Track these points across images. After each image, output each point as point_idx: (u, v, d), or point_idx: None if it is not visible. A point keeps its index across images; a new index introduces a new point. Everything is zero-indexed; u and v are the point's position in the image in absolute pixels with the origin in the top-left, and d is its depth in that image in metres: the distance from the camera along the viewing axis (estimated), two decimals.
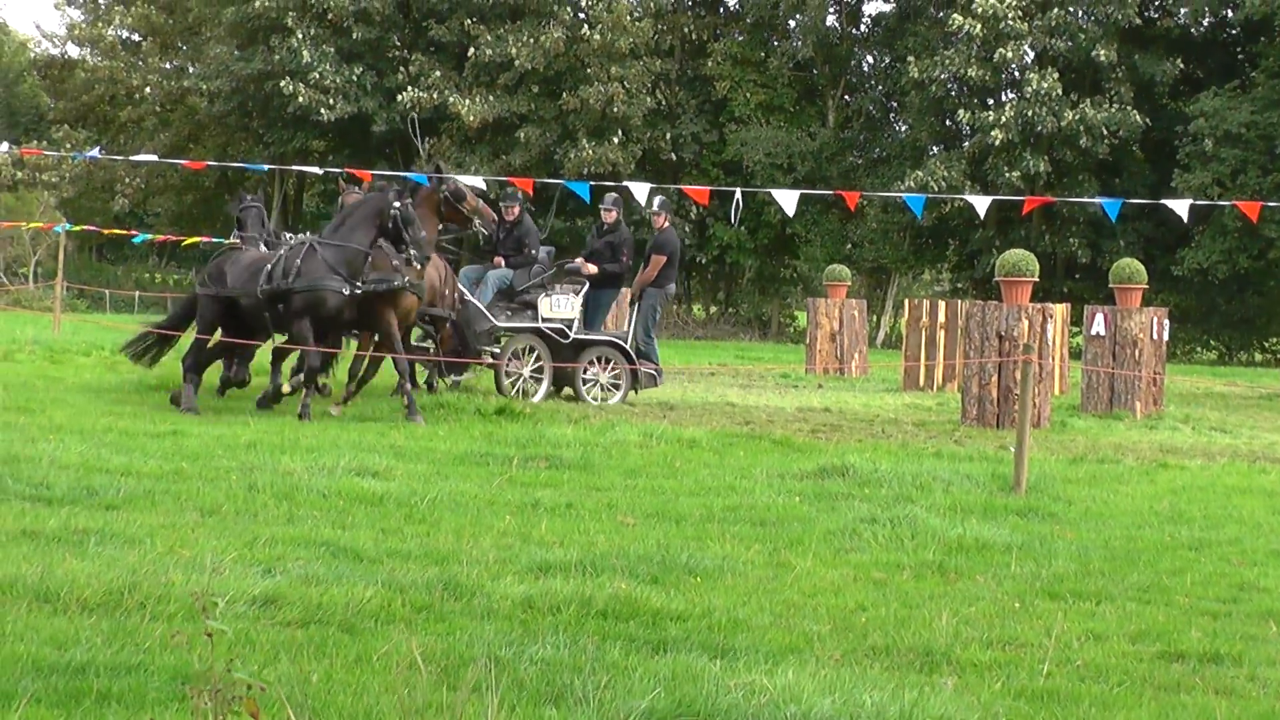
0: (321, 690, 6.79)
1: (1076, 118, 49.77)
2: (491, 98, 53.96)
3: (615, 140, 53.24)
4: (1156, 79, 52.39)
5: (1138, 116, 50.79)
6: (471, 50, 54.28)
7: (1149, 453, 18.88)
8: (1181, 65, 52.92)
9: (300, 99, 53.48)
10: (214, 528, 10.68)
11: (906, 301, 32.73)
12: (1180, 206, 21.54)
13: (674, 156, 56.18)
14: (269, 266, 19.19)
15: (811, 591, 9.56)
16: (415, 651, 7.03)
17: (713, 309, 61.65)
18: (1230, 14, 53.29)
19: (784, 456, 16.52)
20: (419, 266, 19.48)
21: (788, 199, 22.36)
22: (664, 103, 56.50)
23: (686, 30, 57.93)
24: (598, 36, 52.96)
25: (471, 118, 53.30)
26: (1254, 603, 9.79)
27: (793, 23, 57.60)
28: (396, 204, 19.13)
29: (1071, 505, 13.75)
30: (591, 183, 25.18)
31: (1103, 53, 50.76)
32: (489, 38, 54.02)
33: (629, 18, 53.39)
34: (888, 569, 10.39)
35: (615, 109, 53.18)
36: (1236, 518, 13.42)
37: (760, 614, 8.82)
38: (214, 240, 42.13)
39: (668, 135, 56.08)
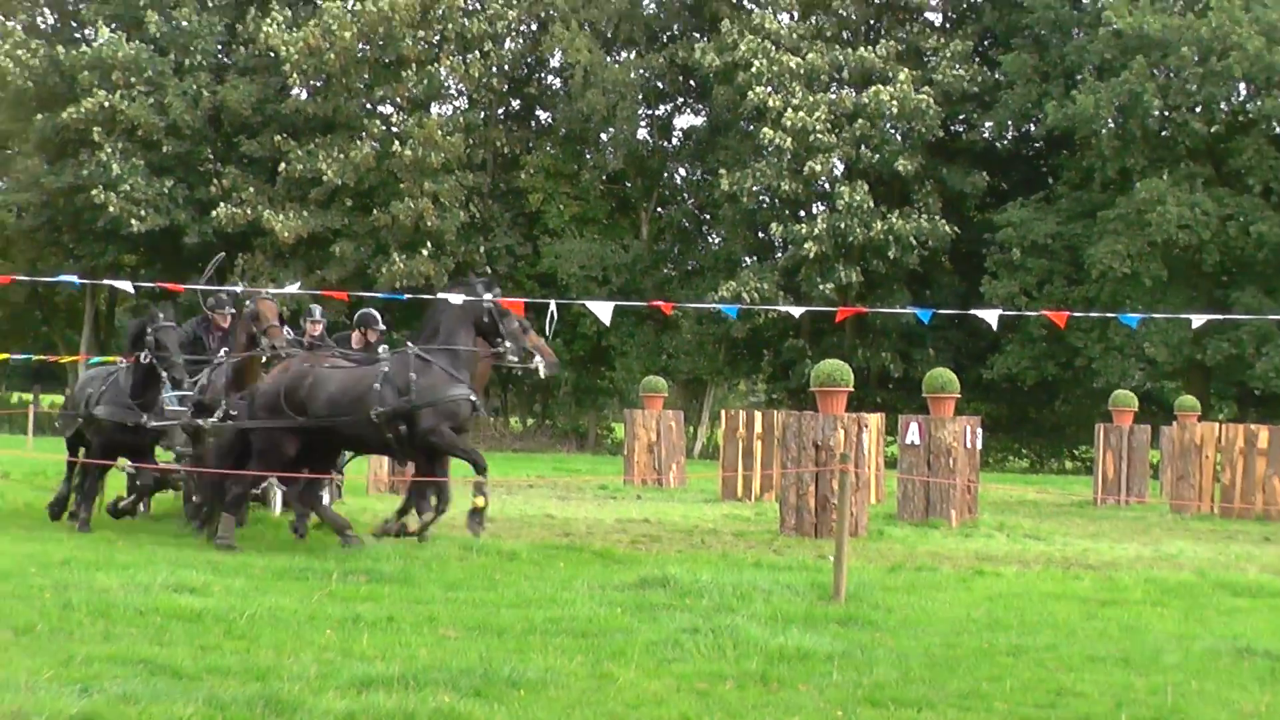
0: None
1: (885, 229, 50.61)
2: (305, 212, 53.78)
3: (425, 253, 53.19)
4: (964, 191, 53.46)
5: (946, 227, 51.77)
6: (282, 165, 54.09)
7: (965, 560, 19.11)
8: (988, 177, 54.06)
9: (111, 209, 52.87)
10: (28, 646, 10.49)
11: (723, 412, 32.96)
12: (990, 315, 21.95)
13: (488, 269, 56.26)
14: (377, 385, 17.79)
15: (635, 703, 9.56)
16: None
17: (529, 421, 61.63)
18: (1033, 128, 54.66)
19: (604, 568, 16.53)
20: (516, 360, 18.52)
21: (603, 310, 22.44)
22: (477, 216, 56.57)
23: (499, 144, 58.13)
24: (409, 152, 53.00)
25: (285, 233, 53.06)
26: (1071, 708, 9.93)
27: (604, 136, 58.05)
28: (488, 296, 18.12)
29: (891, 613, 13.87)
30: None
31: (909, 165, 51.69)
32: (299, 153, 53.87)
33: (440, 133, 53.48)
34: (710, 679, 10.42)
35: (428, 223, 53.19)
36: (1052, 623, 13.62)
37: None
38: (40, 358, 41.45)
39: (481, 248, 56.16)
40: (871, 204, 51.09)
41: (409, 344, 18.56)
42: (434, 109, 56.73)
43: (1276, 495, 27.86)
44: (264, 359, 18.87)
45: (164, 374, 19.04)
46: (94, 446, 19.63)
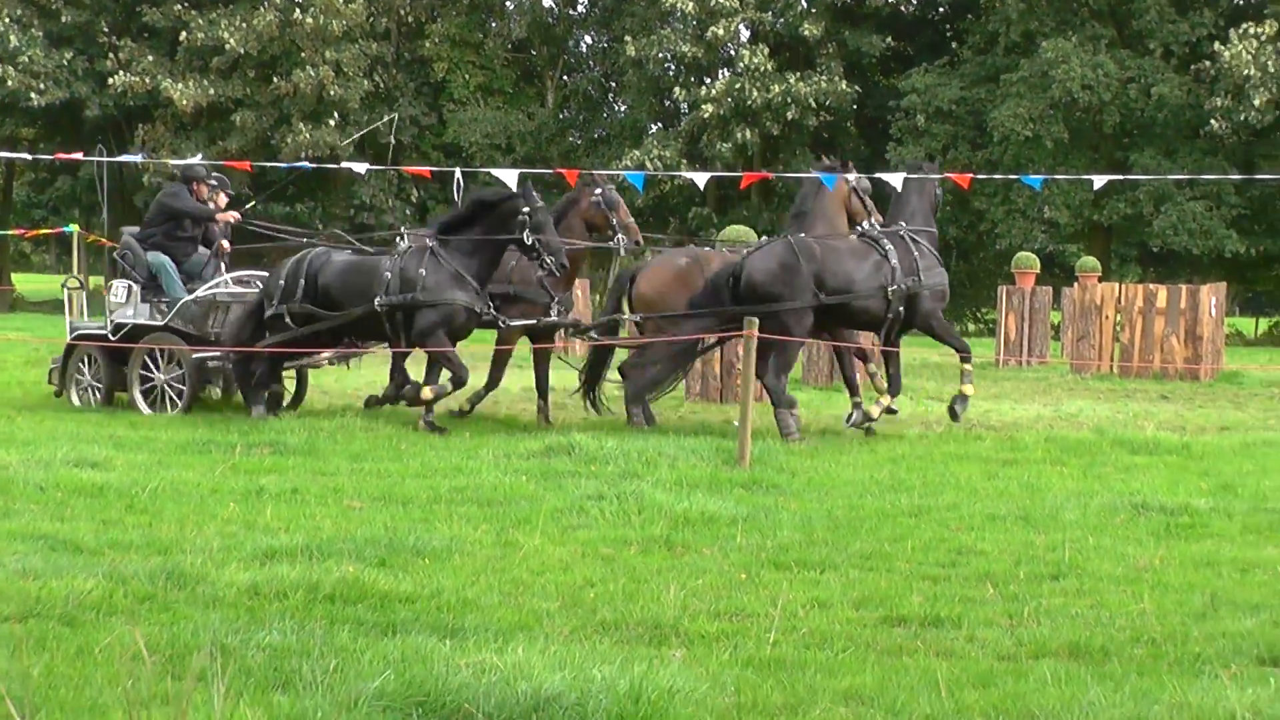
0: (43, 684, 6.64)
1: (784, 90, 50.49)
2: (205, 82, 53.12)
3: (332, 123, 52.71)
4: (868, 54, 53.40)
5: (845, 86, 51.71)
6: (183, 34, 53.32)
7: (880, 426, 19.19)
8: (892, 42, 54.00)
9: (10, 83, 52.03)
10: None
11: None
12: (895, 179, 21.90)
13: (393, 140, 55.82)
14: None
15: (540, 569, 9.57)
16: (139, 642, 6.90)
17: None
18: None
19: (510, 437, 16.52)
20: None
21: (508, 178, 22.27)
22: (381, 85, 56.05)
23: (402, 12, 57.51)
24: (310, 19, 52.36)
25: (185, 103, 52.42)
26: (971, 566, 10.02)
27: (510, 4, 57.55)
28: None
29: (795, 477, 13.95)
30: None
31: (814, 29, 51.53)
32: (201, 21, 53.14)
33: (341, 1, 52.87)
34: (615, 544, 10.45)
35: (331, 93, 52.65)
36: (954, 484, 13.73)
37: (489, 593, 8.81)
38: None
39: (385, 118, 55.73)
40: (773, 67, 50.94)
41: None
42: None
43: (1174, 354, 28.12)
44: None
45: (546, 260, 17.68)
46: (429, 331, 17.60)
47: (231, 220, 19.56)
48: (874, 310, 17.66)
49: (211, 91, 52.99)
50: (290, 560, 9.36)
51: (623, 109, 58.59)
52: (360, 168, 24.47)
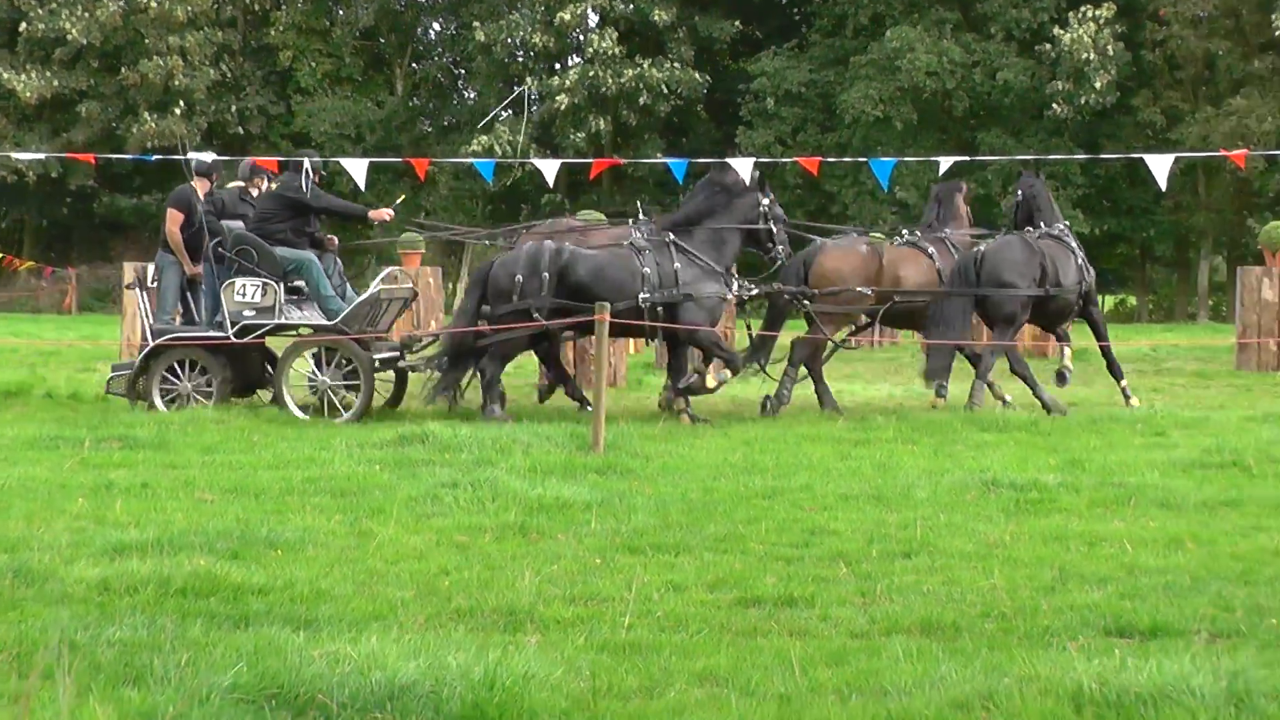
0: None
1: (637, 76, 50.57)
2: (48, 73, 52.33)
3: (178, 113, 52.10)
4: (716, 39, 53.58)
5: (698, 75, 51.89)
6: (23, 25, 52.49)
7: (724, 405, 19.28)
8: (740, 26, 54.24)
9: None
10: None
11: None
12: (744, 164, 22.00)
13: (241, 129, 55.28)
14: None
15: (394, 558, 9.53)
16: None
17: None
18: None
19: (363, 426, 16.46)
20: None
21: (357, 169, 22.18)
22: (229, 74, 55.51)
23: (248, 1, 56.97)
24: (155, 6, 51.71)
25: (28, 94, 51.62)
26: (825, 546, 10.08)
27: None
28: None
29: (649, 461, 13.96)
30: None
31: (662, 14, 51.63)
32: (40, 11, 52.33)
33: None
34: (470, 532, 10.41)
35: (177, 81, 52.04)
36: (807, 465, 13.80)
37: (343, 583, 8.76)
38: None
39: (233, 108, 55.16)
40: (623, 53, 51.01)
41: None
42: None
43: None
44: None
45: (777, 251, 18.58)
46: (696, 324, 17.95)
47: (386, 218, 18.95)
48: (1070, 304, 19.39)
49: (55, 83, 52.21)
50: (141, 555, 9.24)
51: (472, 96, 58.41)
52: (206, 157, 24.15)
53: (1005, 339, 19.06)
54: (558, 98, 50.42)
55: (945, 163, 24.05)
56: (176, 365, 17.86)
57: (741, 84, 53.11)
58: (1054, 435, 15.91)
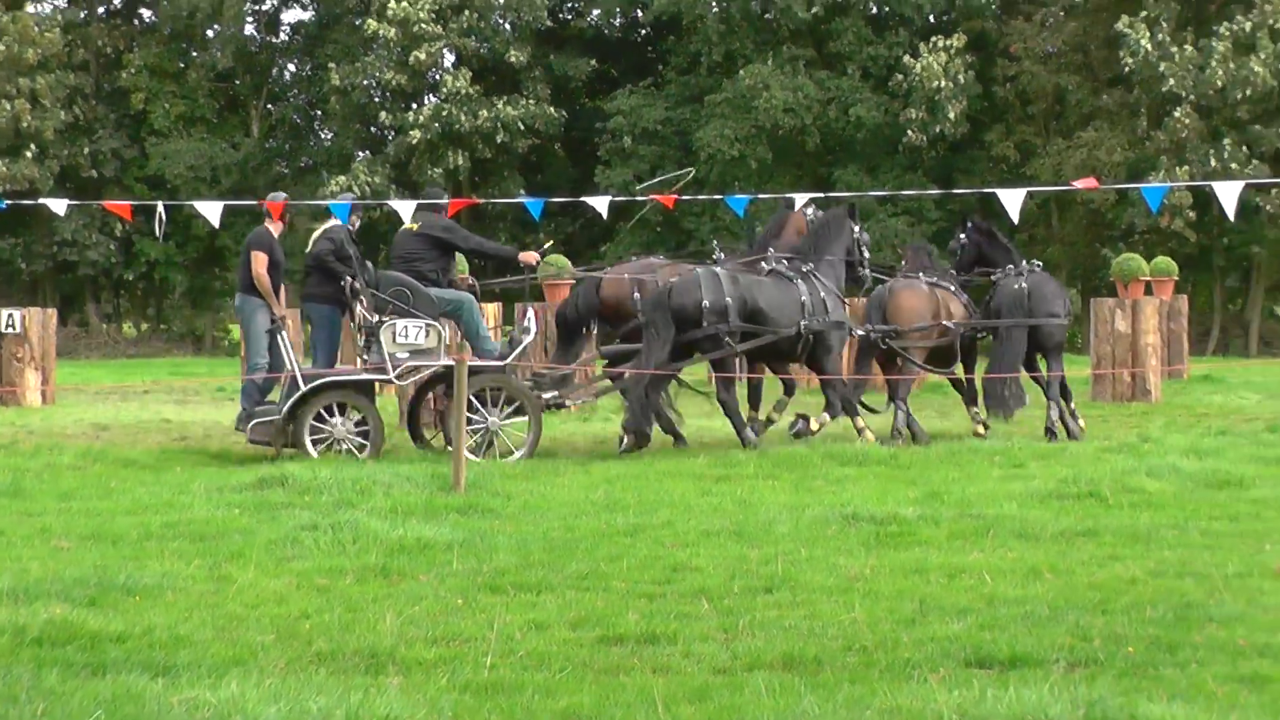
0: None
1: (493, 116, 50.61)
2: None
3: (29, 156, 51.44)
4: (572, 77, 53.75)
5: (554, 112, 51.98)
6: None
7: (584, 444, 19.31)
8: (596, 64, 54.45)
9: None
10: None
11: None
12: (599, 203, 22.08)
13: (95, 173, 54.64)
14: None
15: (254, 603, 9.46)
16: None
17: (144, 326, 60.29)
18: (640, 14, 55.20)
19: (223, 470, 16.33)
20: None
21: (212, 211, 21.98)
22: (80, 117, 54.87)
23: (100, 42, 56.36)
24: (2, 48, 51.07)
25: None
26: (687, 582, 10.11)
27: (211, 33, 56.76)
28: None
29: (511, 500, 13.96)
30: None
31: (519, 55, 51.76)
32: None
33: (36, 29, 51.65)
34: (331, 574, 10.36)
35: (26, 123, 51.36)
36: (669, 501, 13.84)
37: (202, 629, 8.68)
38: None
39: (86, 150, 54.50)
40: (478, 92, 51.03)
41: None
42: (30, 5, 54.78)
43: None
44: None
45: (864, 274, 20.08)
46: (836, 353, 19.34)
47: (534, 261, 19.33)
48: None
49: None
50: None
51: (329, 137, 58.18)
52: (59, 205, 23.95)
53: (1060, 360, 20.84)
54: (412, 133, 50.30)
55: (800, 199, 24.21)
56: (323, 410, 17.61)
57: (599, 122, 53.27)
58: (913, 468, 16.06)
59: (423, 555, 11.07)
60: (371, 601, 9.49)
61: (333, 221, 18.93)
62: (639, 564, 10.74)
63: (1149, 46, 45.56)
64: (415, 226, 18.93)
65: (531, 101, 51.77)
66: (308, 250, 18.89)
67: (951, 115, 48.33)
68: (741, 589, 9.85)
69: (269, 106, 58.44)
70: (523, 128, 51.36)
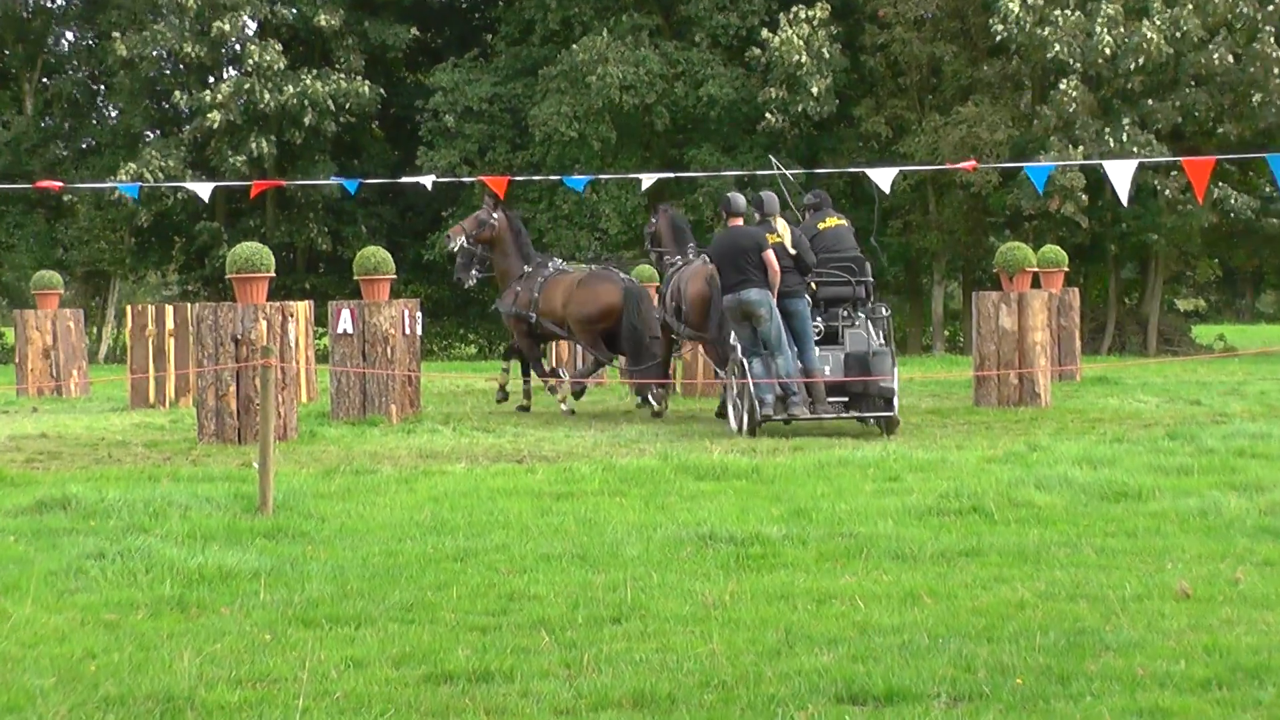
0: None
1: (300, 92, 50.05)
2: None
3: None
4: (390, 46, 53.42)
5: (368, 90, 51.51)
6: None
7: (408, 459, 19.25)
8: (417, 33, 54.13)
9: None
10: None
11: (130, 308, 32.26)
12: (425, 181, 22.08)
13: None
14: None
15: (32, 642, 9.34)
16: None
17: None
18: None
19: None
20: None
21: None
22: None
23: None
24: None
25: None
26: (524, 612, 10.10)
27: None
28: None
29: (325, 522, 13.87)
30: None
31: (330, 20, 51.34)
32: None
33: None
34: (120, 609, 10.25)
35: None
36: (503, 522, 13.81)
37: None
38: None
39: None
40: (285, 65, 50.52)
41: None
42: None
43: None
44: None
45: None
46: None
47: None
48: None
49: None
50: None
51: (115, 115, 57.51)
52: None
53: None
54: (211, 114, 49.73)
55: (648, 181, 24.32)
56: None
57: (420, 99, 52.92)
58: (777, 483, 16.11)
59: (225, 585, 10.98)
60: (167, 639, 9.40)
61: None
62: (470, 593, 10.72)
63: (1018, 10, 45.44)
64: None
65: (344, 77, 51.33)
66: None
67: (815, 91, 48.36)
68: (586, 619, 9.85)
69: (44, 80, 57.63)
70: (333, 106, 50.90)
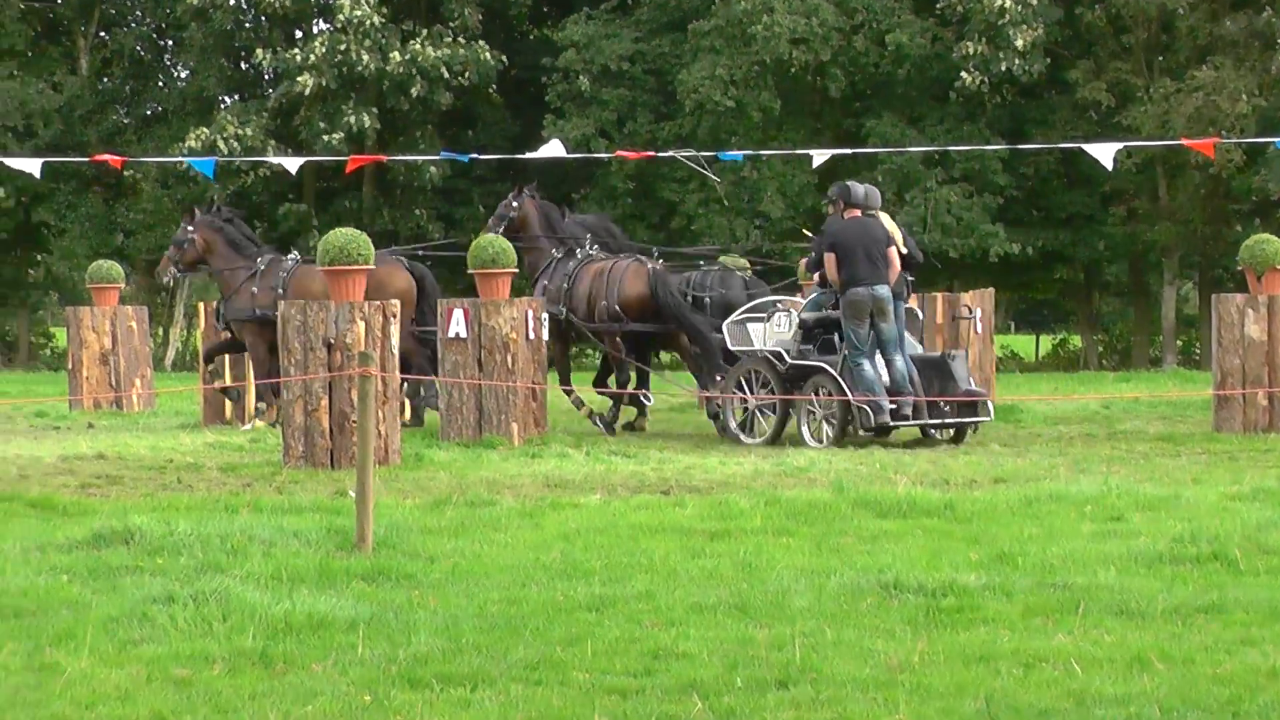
0: None
1: (408, 58, 50.14)
2: None
3: None
4: (511, 2, 53.47)
5: (489, 54, 51.55)
6: None
7: (533, 488, 19.31)
8: None
9: None
10: None
11: (202, 306, 32.52)
12: (554, 148, 22.16)
13: None
14: None
15: (89, 701, 9.44)
16: None
17: None
18: None
19: (44, 523, 16.29)
20: None
21: (29, 168, 21.99)
22: None
23: None
24: None
25: None
26: (672, 672, 10.11)
27: None
28: None
29: (434, 563, 13.93)
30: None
31: None
32: None
33: None
34: (193, 663, 10.34)
35: None
36: (646, 565, 13.82)
37: None
38: None
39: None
40: (382, 20, 50.42)
41: None
42: None
43: None
44: None
45: None
46: None
47: None
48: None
49: None
50: None
51: (185, 76, 57.94)
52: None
53: None
54: (300, 78, 49.88)
55: (819, 158, 24.32)
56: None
57: (546, 58, 52.80)
58: (975, 522, 16.05)
59: (316, 637, 11.05)
60: (248, 699, 9.48)
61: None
62: (607, 649, 10.73)
63: None
64: None
65: (459, 39, 51.18)
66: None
67: (1020, 45, 47.95)
68: (745, 682, 9.85)
69: (103, 34, 58.20)
70: (446, 71, 50.86)
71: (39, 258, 57.23)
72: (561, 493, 18.72)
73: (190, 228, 28.58)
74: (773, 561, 13.95)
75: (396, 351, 21.84)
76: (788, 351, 24.31)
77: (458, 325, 24.17)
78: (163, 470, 21.51)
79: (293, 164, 22.85)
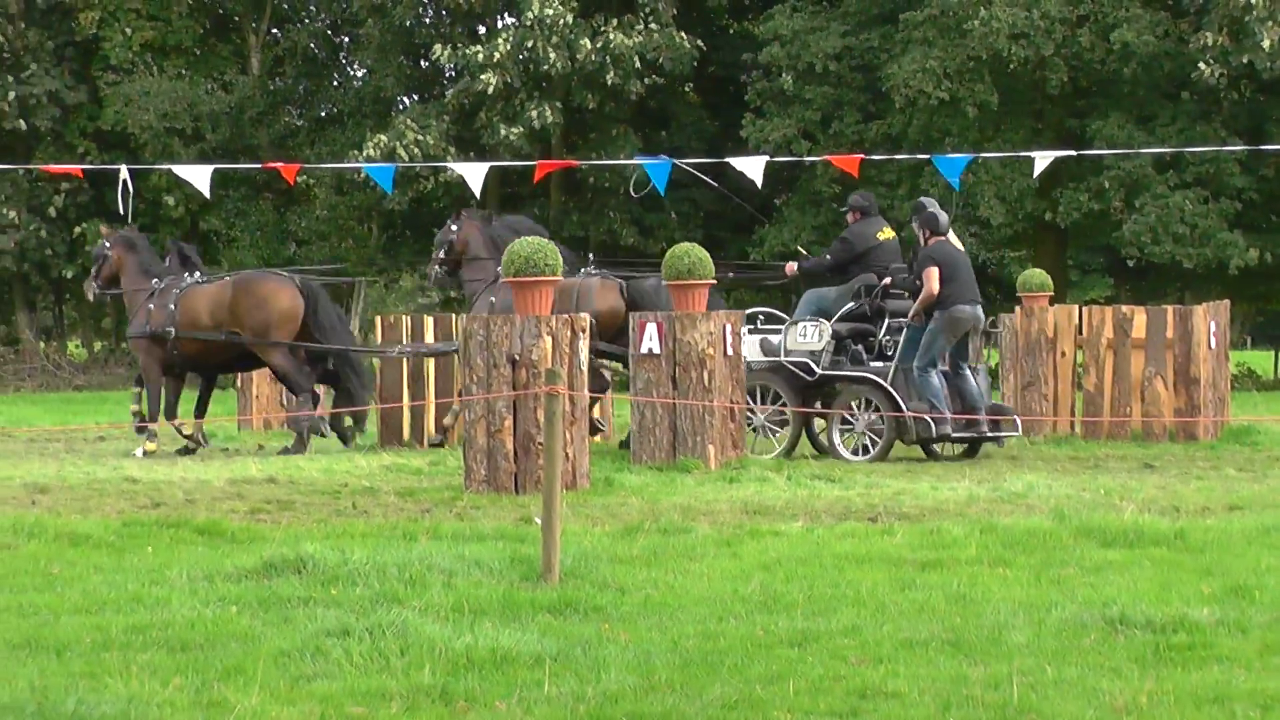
0: None
1: (600, 48, 50.27)
2: None
3: None
4: None
5: (686, 42, 51.61)
6: None
7: (730, 515, 19.32)
8: None
9: None
10: None
11: (379, 320, 32.70)
12: (753, 165, 22.13)
13: (23, 123, 55.07)
14: None
15: None
16: None
17: (96, 345, 60.74)
18: None
19: (213, 550, 16.43)
20: None
21: (198, 177, 22.25)
22: (4, 46, 55.36)
23: None
24: None
25: None
26: (880, 713, 10.11)
27: None
28: None
29: (625, 595, 13.97)
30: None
31: None
32: None
33: None
34: (369, 700, 10.42)
35: None
36: (852, 598, 13.81)
37: None
38: None
39: (12, 95, 54.87)
40: (573, 16, 50.56)
41: None
42: None
43: (1160, 404, 28.28)
44: None
45: None
46: None
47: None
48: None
49: None
50: None
51: (361, 75, 58.31)
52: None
53: None
54: (483, 76, 50.06)
55: (1042, 161, 24.20)
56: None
57: (746, 54, 52.83)
58: (1208, 551, 15.93)
59: (500, 673, 11.11)
60: None
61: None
62: (810, 687, 10.74)
63: None
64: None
65: (653, 27, 51.26)
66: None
67: (1267, 46, 47.44)
68: None
69: (274, 31, 58.68)
70: (640, 64, 50.92)
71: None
72: (761, 520, 18.71)
73: (455, 225, 29.83)
74: (988, 594, 13.91)
75: (585, 369, 21.92)
76: (817, 362, 25.62)
77: (651, 340, 24.18)
78: (337, 495, 21.68)
79: (476, 172, 22.75)
